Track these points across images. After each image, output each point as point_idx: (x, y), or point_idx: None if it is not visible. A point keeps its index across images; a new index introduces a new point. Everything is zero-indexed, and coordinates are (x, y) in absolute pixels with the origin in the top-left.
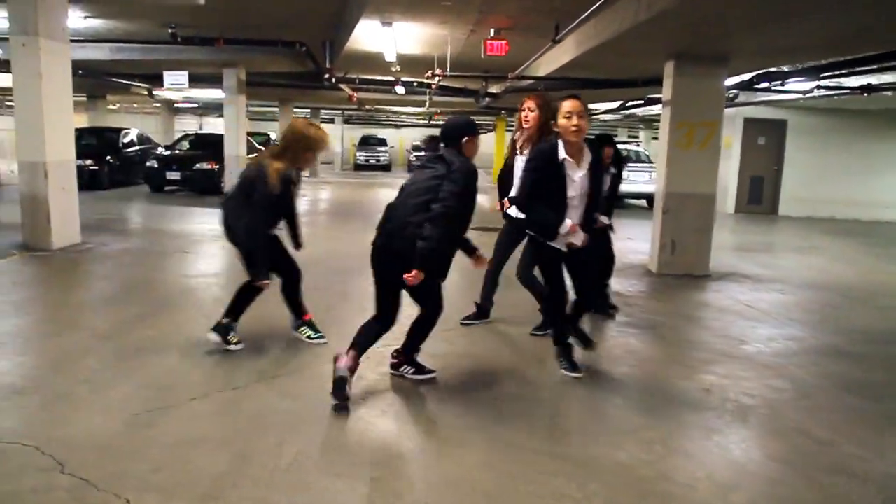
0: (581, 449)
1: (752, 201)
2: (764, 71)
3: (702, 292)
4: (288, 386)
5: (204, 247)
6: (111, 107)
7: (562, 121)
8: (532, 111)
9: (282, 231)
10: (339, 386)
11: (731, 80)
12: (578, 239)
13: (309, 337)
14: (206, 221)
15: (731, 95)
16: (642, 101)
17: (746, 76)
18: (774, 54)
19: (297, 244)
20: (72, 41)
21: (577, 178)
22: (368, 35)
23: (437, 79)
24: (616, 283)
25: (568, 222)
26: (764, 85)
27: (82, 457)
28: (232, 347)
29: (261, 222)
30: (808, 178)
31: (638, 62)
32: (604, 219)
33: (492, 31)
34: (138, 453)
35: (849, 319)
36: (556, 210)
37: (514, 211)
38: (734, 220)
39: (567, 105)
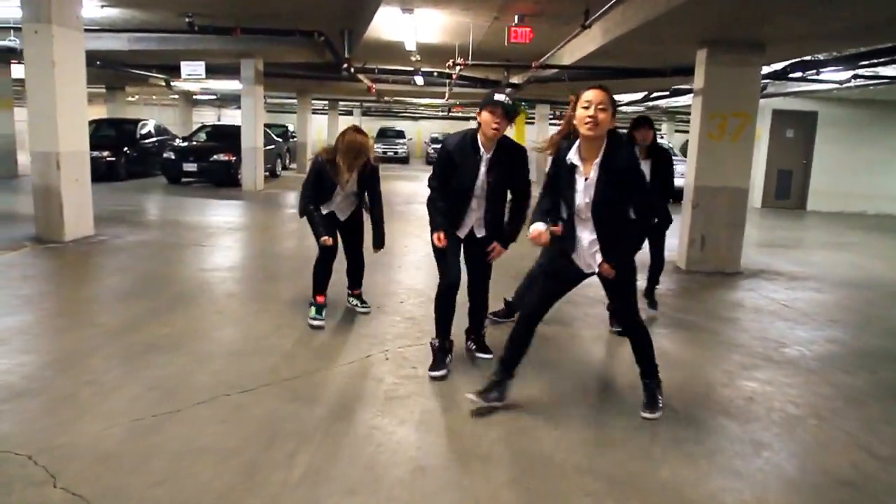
0: (619, 464)
1: (780, 196)
2: (798, 60)
3: (734, 290)
4: (300, 389)
5: (220, 239)
6: (130, 98)
7: (579, 111)
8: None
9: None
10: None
11: (763, 70)
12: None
13: (312, 316)
14: (223, 214)
15: (760, 86)
16: (668, 93)
17: (779, 65)
18: (813, 41)
19: (374, 244)
20: (89, 31)
21: (581, 184)
22: (388, 23)
23: (458, 68)
24: (644, 280)
25: (535, 227)
26: (798, 75)
27: (79, 468)
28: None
29: (305, 197)
30: (839, 171)
31: (668, 50)
32: None
33: (516, 18)
34: (139, 464)
35: (893, 320)
36: (567, 221)
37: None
38: (761, 215)
39: (588, 94)
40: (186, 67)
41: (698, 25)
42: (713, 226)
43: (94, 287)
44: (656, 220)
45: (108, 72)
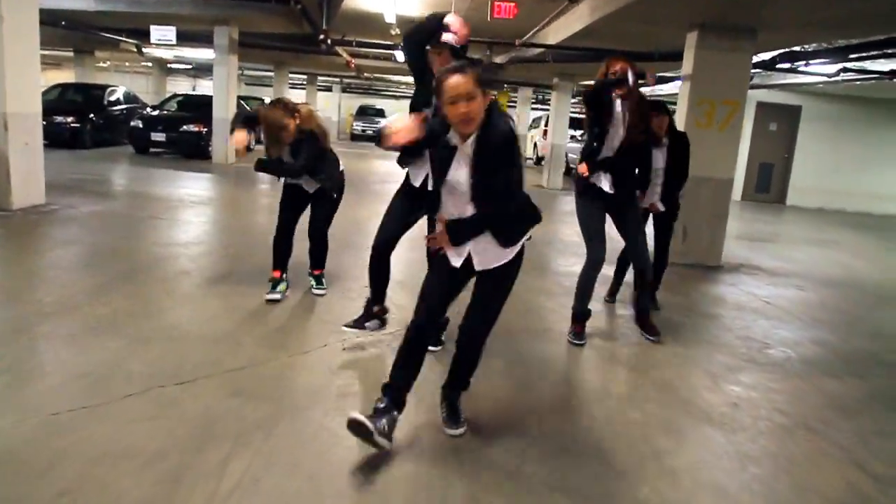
0: (593, 480)
1: (760, 189)
2: (787, 50)
3: (716, 285)
4: (245, 382)
5: (180, 213)
6: (102, 65)
7: (446, 107)
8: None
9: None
10: None
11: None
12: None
13: (267, 292)
14: (188, 186)
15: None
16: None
17: (767, 55)
18: (807, 29)
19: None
20: None
21: (464, 162)
22: None
23: None
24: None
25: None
26: (785, 66)
27: None
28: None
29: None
30: (820, 167)
31: (657, 32)
32: (659, 205)
33: None
34: (45, 469)
35: (881, 322)
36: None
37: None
38: (740, 208)
39: (450, 83)
40: (156, 32)
41: (691, 5)
42: (696, 217)
43: (35, 260)
44: (663, 209)
45: (76, 34)
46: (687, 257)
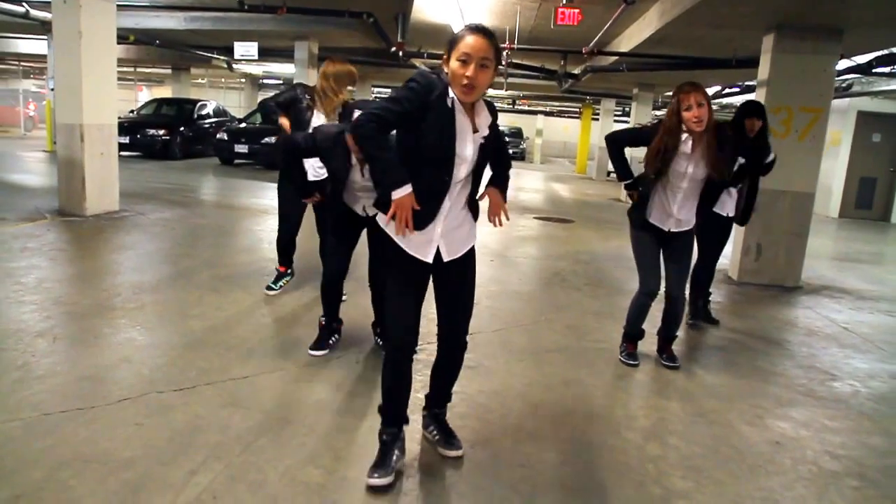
0: None
1: (861, 205)
2: (886, 52)
3: (789, 308)
4: (243, 391)
5: (246, 222)
6: (199, 80)
7: (454, 64)
8: (701, 106)
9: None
10: None
11: (843, 64)
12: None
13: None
14: (262, 196)
15: (843, 84)
16: (739, 89)
17: (863, 59)
18: None
19: None
20: (145, 8)
21: (469, 147)
22: (433, 2)
23: (505, 53)
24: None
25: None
26: (884, 70)
27: None
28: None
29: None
30: None
31: (732, 36)
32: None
33: None
34: (13, 470)
35: None
36: (429, 185)
37: None
38: (837, 226)
39: (467, 41)
40: (239, 48)
41: (762, 4)
42: (772, 233)
43: (89, 263)
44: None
45: (172, 52)
46: (760, 276)
